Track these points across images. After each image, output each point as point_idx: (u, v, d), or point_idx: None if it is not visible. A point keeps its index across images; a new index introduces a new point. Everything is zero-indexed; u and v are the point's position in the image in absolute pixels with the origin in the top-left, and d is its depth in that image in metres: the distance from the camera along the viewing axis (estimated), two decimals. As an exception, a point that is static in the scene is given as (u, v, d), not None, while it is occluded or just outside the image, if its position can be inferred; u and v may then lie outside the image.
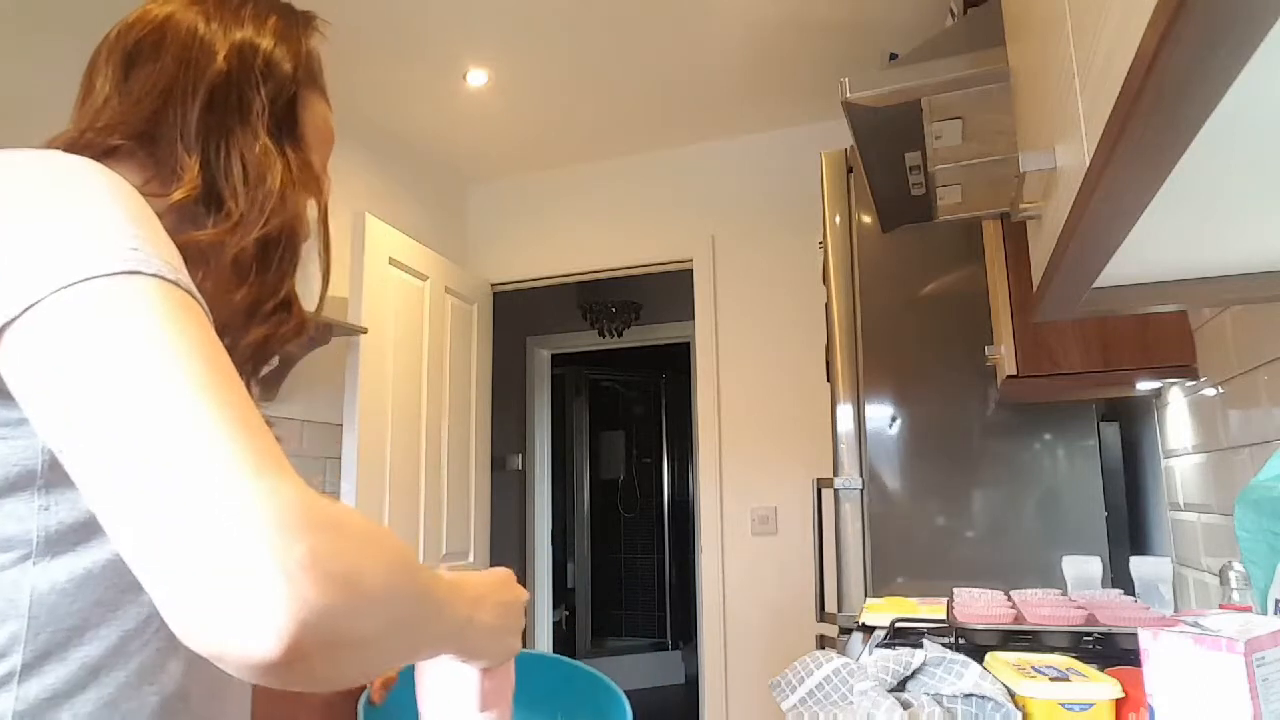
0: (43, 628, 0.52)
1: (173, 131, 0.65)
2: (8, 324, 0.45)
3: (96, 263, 0.47)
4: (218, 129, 0.67)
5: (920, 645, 1.04)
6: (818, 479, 2.21)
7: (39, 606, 0.52)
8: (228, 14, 0.70)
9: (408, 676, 0.81)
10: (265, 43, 0.70)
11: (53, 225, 0.48)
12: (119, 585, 0.55)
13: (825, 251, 2.22)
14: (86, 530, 0.54)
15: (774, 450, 3.07)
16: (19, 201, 0.50)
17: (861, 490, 2.06)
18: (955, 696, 0.93)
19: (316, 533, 0.41)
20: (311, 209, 0.74)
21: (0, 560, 0.52)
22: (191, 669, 0.60)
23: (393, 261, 2.83)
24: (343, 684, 0.46)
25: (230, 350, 0.49)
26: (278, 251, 0.69)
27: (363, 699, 0.79)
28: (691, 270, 3.30)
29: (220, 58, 0.67)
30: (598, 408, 6.20)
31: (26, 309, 0.45)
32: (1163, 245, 0.77)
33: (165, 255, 0.50)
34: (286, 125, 0.71)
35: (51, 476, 0.53)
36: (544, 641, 4.51)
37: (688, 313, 3.37)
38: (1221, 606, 1.04)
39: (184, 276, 0.50)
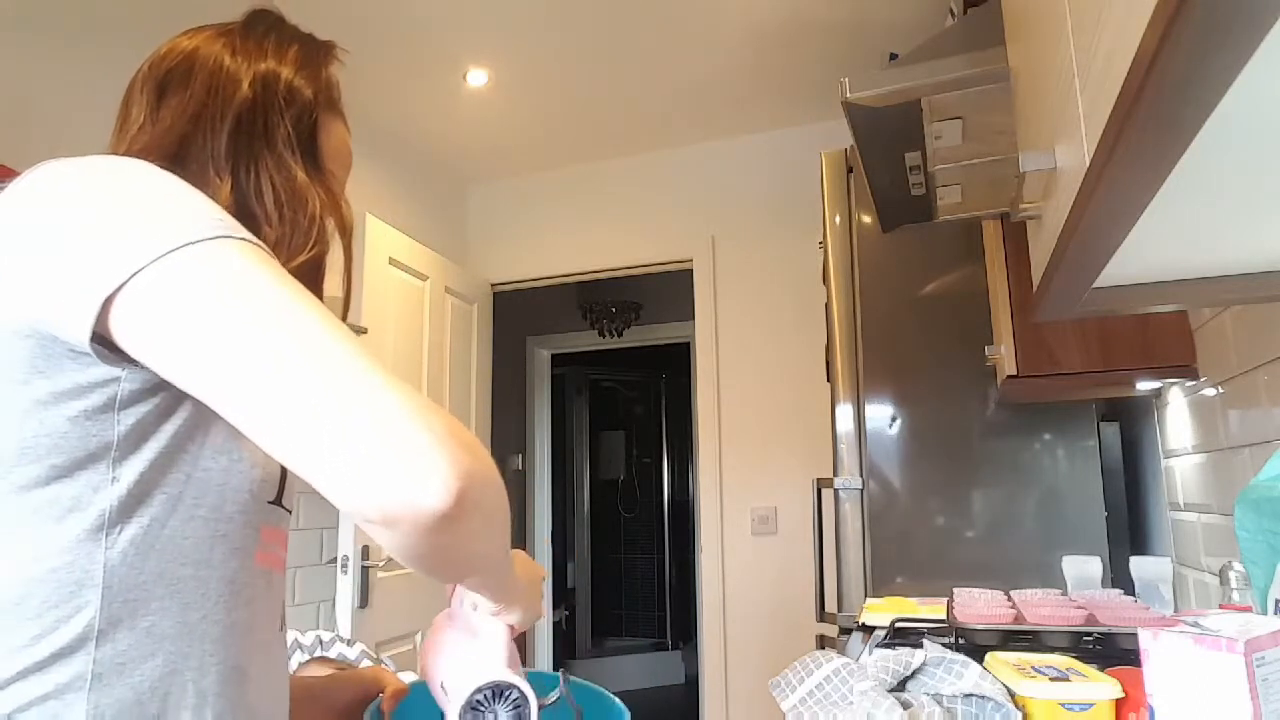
0: (114, 597, 0.57)
1: (203, 154, 0.70)
2: (115, 291, 0.52)
3: (192, 231, 0.54)
4: (246, 152, 0.71)
5: (920, 645, 1.04)
6: (818, 479, 2.21)
7: (111, 576, 0.57)
8: (252, 46, 0.74)
9: (418, 691, 0.82)
10: (286, 72, 0.74)
11: (143, 207, 0.56)
12: (178, 559, 0.60)
13: (825, 251, 2.22)
14: (143, 501, 0.59)
15: (774, 450, 3.07)
16: (108, 191, 0.56)
17: (861, 490, 2.06)
18: (955, 696, 0.93)
19: (441, 413, 0.50)
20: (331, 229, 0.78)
21: (78, 532, 0.56)
22: (249, 645, 0.65)
23: (393, 261, 2.83)
24: (475, 559, 0.57)
25: None
26: (315, 275, 0.73)
27: (370, 709, 0.80)
28: (691, 270, 3.30)
29: (245, 85, 0.72)
30: (598, 408, 6.19)
31: (132, 275, 0.52)
32: (1163, 245, 0.77)
33: (242, 229, 0.57)
34: (309, 149, 0.75)
35: (121, 450, 0.58)
36: (544, 641, 4.51)
37: (688, 313, 3.37)
38: (1221, 606, 1.04)
39: (262, 244, 0.57)
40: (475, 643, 0.68)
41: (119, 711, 0.56)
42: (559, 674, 0.76)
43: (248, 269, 0.54)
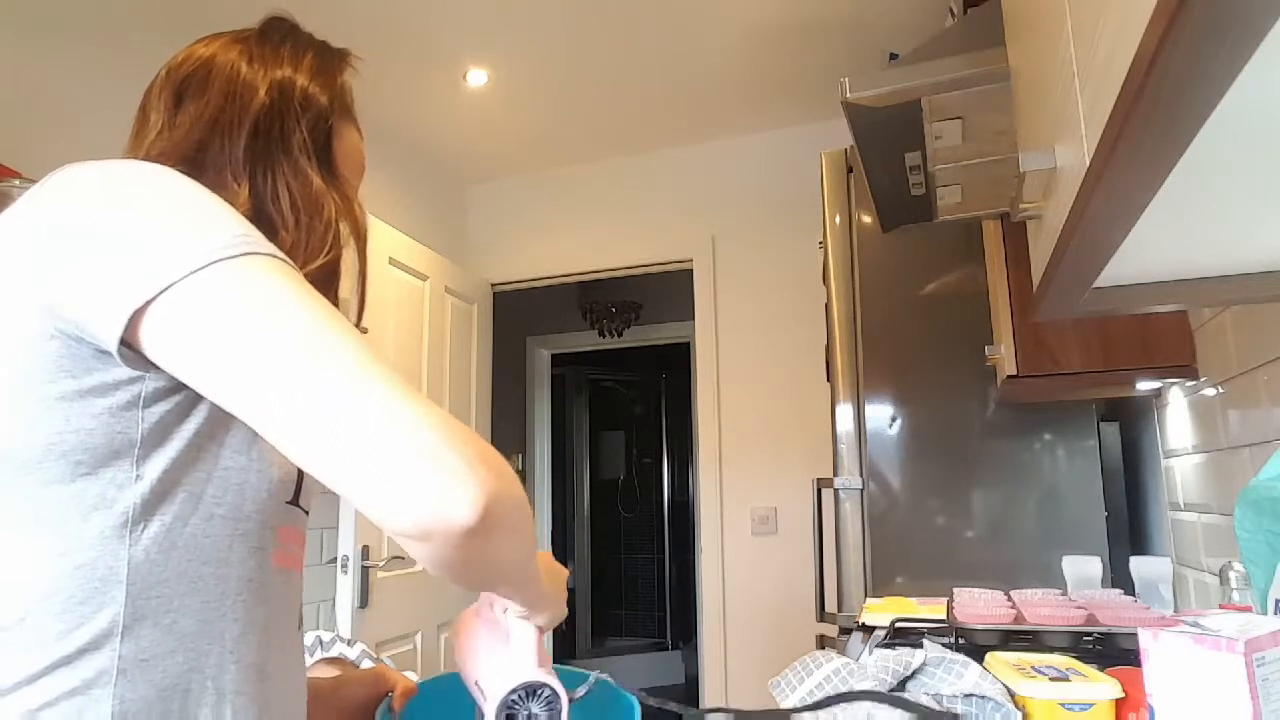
0: (138, 594, 0.58)
1: (220, 159, 0.70)
2: (147, 303, 0.53)
3: (219, 248, 0.54)
4: (263, 158, 0.72)
5: (920, 645, 1.04)
6: (818, 479, 2.21)
7: (135, 573, 0.58)
8: (268, 53, 0.75)
9: (426, 689, 0.83)
10: (302, 79, 0.75)
11: (170, 219, 0.56)
12: (199, 558, 0.61)
13: (825, 251, 2.22)
14: (165, 499, 0.60)
15: (774, 450, 3.07)
16: (133, 200, 0.57)
17: (861, 490, 2.06)
18: (955, 696, 0.93)
19: (470, 434, 0.52)
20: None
21: (103, 528, 0.58)
22: (267, 643, 0.66)
23: (393, 261, 2.83)
24: (501, 570, 0.58)
25: None
26: (330, 280, 0.75)
27: (381, 707, 0.81)
28: (691, 270, 3.30)
29: (262, 92, 0.72)
30: (598, 408, 6.19)
31: (164, 289, 0.53)
32: (1163, 245, 0.77)
33: (266, 242, 0.58)
34: (324, 155, 0.76)
35: (145, 447, 0.59)
36: (544, 641, 4.50)
37: (688, 313, 3.37)
38: (1221, 606, 1.04)
39: (286, 257, 0.59)
40: (508, 645, 0.72)
41: (142, 707, 0.58)
42: (591, 673, 0.79)
43: (276, 287, 0.55)
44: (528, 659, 0.70)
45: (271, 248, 0.58)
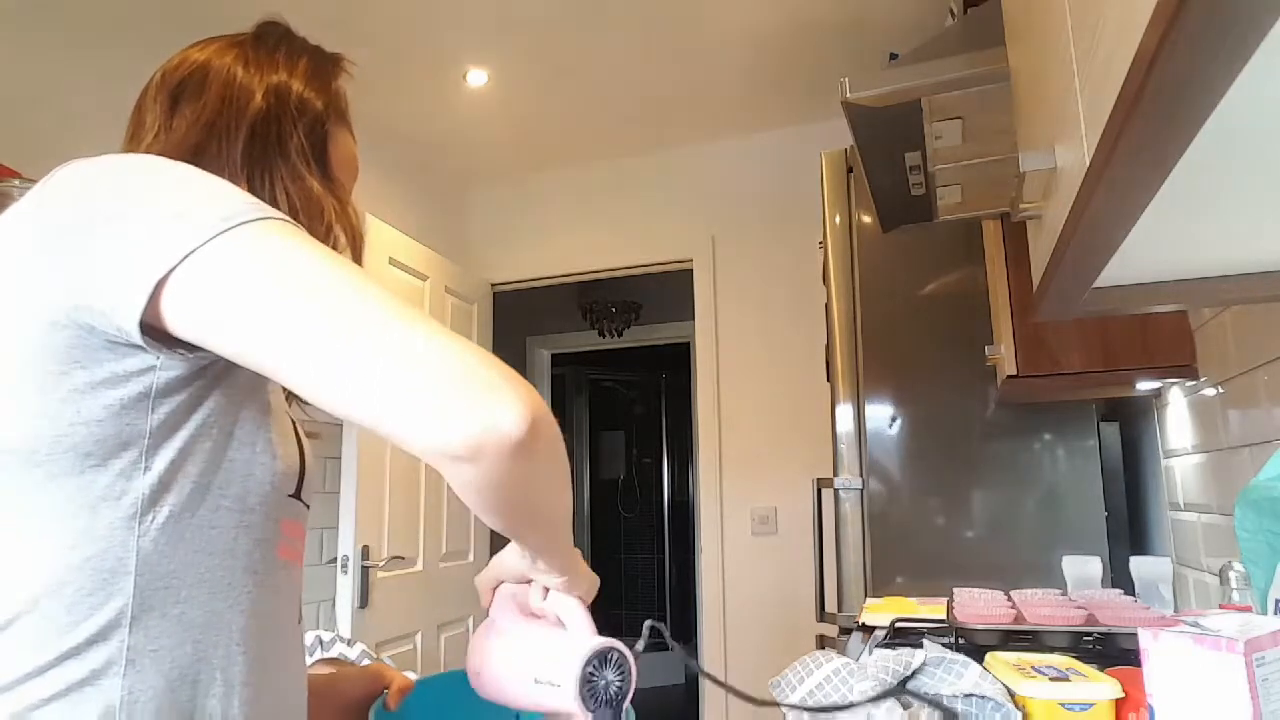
0: (146, 585, 0.59)
1: (217, 162, 0.71)
2: (170, 271, 0.53)
3: (234, 214, 0.55)
4: (260, 161, 0.72)
5: (920, 645, 1.04)
6: (818, 479, 2.21)
7: (143, 565, 0.59)
8: (263, 58, 0.76)
9: (422, 688, 0.83)
10: (298, 84, 0.76)
11: (180, 196, 0.57)
12: (206, 549, 0.62)
13: (825, 251, 2.22)
14: (172, 490, 0.60)
15: (774, 450, 3.07)
16: (142, 184, 0.58)
17: (861, 490, 2.06)
18: (955, 696, 0.93)
19: (498, 359, 0.54)
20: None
21: (112, 520, 0.58)
22: (272, 635, 0.67)
23: (393, 261, 2.83)
24: (546, 497, 0.59)
25: None
26: None
27: (375, 705, 0.81)
28: (691, 270, 3.30)
29: (259, 97, 0.73)
30: (598, 408, 6.19)
31: (186, 256, 0.53)
32: (1163, 245, 0.77)
33: (278, 211, 0.59)
34: (320, 159, 0.77)
35: (154, 439, 0.59)
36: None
37: (688, 313, 3.37)
38: (1221, 606, 1.04)
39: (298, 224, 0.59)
40: (555, 631, 0.70)
41: (151, 696, 0.58)
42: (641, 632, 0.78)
43: (295, 246, 0.56)
44: (587, 629, 0.68)
45: (284, 215, 0.59)
